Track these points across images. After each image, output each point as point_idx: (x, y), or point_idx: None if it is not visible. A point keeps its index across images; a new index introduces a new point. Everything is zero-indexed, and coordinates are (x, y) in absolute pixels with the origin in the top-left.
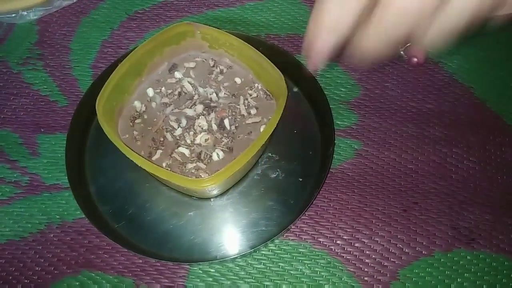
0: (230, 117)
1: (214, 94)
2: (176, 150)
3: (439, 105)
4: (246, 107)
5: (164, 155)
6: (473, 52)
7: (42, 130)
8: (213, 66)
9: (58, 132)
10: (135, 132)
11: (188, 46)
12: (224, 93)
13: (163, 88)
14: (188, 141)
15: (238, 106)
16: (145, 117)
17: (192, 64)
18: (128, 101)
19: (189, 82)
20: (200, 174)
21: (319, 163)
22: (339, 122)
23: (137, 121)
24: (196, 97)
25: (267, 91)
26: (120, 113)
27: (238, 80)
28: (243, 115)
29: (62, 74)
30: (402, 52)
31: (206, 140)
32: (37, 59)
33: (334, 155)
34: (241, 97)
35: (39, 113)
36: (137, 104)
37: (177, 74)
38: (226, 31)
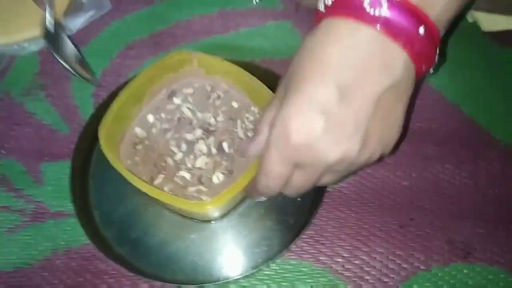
0: (228, 141)
1: (213, 119)
2: (177, 174)
3: (429, 122)
4: (244, 130)
5: (166, 180)
6: (460, 71)
7: (45, 158)
8: (211, 91)
9: (61, 160)
10: (136, 158)
11: (186, 73)
12: (222, 117)
13: (162, 114)
14: (189, 165)
15: (235, 130)
16: (146, 143)
17: (190, 90)
18: (129, 127)
19: (187, 107)
20: (202, 197)
21: None
22: None
23: (138, 147)
24: (195, 121)
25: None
26: (122, 139)
27: (235, 104)
28: (241, 138)
29: (63, 103)
30: None
31: (206, 163)
32: (39, 89)
33: None
34: (239, 121)
35: (42, 141)
36: (138, 130)
37: (176, 100)
38: (222, 58)
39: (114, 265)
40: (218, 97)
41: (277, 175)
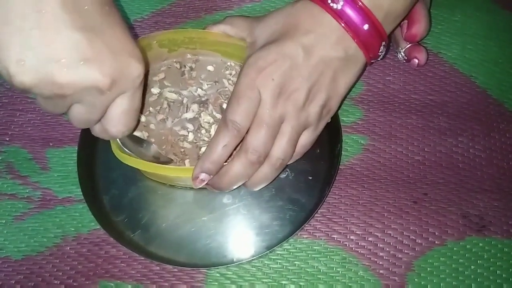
0: (226, 101)
1: (199, 90)
2: (200, 152)
3: (441, 96)
4: (233, 85)
5: (193, 162)
6: (471, 41)
7: (50, 144)
8: (180, 67)
9: (66, 146)
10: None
11: (149, 60)
12: (207, 84)
13: (150, 108)
14: (206, 139)
15: (226, 88)
16: (153, 140)
17: (161, 75)
18: None
19: (169, 91)
20: None
21: (327, 161)
22: (344, 118)
23: None
24: (185, 100)
25: (241, 64)
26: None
27: (210, 68)
28: None
29: None
30: (402, 54)
31: None
32: None
33: (341, 152)
34: (224, 80)
35: (47, 127)
36: (138, 134)
37: (154, 90)
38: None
39: (125, 249)
40: (191, 68)
41: (246, 98)
